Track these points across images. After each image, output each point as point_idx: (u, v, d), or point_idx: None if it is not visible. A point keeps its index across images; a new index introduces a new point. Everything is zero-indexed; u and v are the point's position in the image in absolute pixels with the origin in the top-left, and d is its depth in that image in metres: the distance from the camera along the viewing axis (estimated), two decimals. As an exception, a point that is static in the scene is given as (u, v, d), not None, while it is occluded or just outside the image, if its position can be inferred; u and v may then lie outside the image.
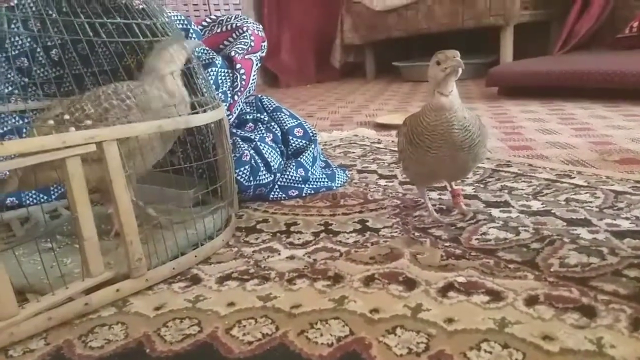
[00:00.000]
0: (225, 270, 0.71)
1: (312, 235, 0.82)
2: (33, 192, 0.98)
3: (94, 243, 0.60)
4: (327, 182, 1.06)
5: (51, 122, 0.56)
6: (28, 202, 0.97)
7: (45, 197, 1.00)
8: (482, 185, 1.01)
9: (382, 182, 1.09)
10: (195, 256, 0.73)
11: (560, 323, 0.53)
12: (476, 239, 0.75)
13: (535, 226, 0.79)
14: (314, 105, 2.55)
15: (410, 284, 0.63)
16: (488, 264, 0.67)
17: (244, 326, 0.57)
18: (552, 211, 0.84)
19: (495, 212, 0.86)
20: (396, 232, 0.80)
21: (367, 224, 0.85)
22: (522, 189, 0.96)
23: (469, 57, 3.21)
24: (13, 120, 0.94)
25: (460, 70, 0.73)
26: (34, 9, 0.85)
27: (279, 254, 0.75)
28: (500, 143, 1.39)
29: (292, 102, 2.72)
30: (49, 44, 0.91)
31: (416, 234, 0.79)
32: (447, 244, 0.74)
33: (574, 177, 1.01)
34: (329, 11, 3.79)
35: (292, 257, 0.74)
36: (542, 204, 0.88)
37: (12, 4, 0.83)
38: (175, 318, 0.59)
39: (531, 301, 0.58)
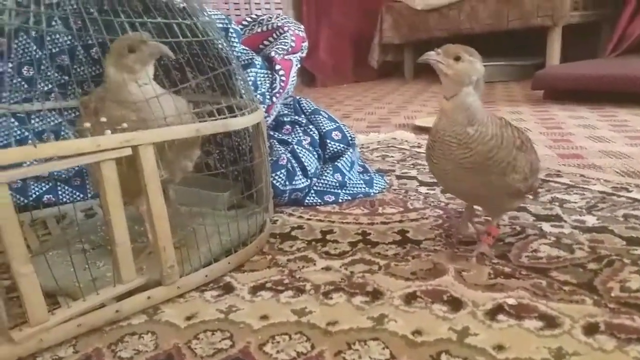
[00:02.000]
0: (258, 279, 0.69)
1: (349, 245, 0.78)
2: (69, 190, 0.98)
3: (126, 248, 0.58)
4: (364, 188, 1.02)
5: (88, 124, 0.54)
6: (64, 199, 0.98)
7: (81, 196, 0.99)
8: (530, 196, 0.95)
9: (423, 189, 1.04)
10: (229, 263, 0.71)
11: (623, 356, 0.48)
12: (526, 256, 0.70)
13: (591, 244, 0.73)
14: (351, 106, 2.51)
15: (455, 304, 0.59)
16: (540, 284, 0.62)
17: (278, 342, 0.54)
18: (609, 228, 0.78)
19: (546, 226, 0.80)
20: (439, 245, 0.76)
21: (408, 235, 0.81)
22: (575, 202, 0.90)
23: (512, 59, 3.13)
24: (52, 118, 0.94)
25: (438, 69, 0.64)
26: (74, 6, 0.84)
27: (315, 264, 0.72)
28: (549, 151, 1.32)
29: (328, 102, 2.69)
30: (89, 42, 0.91)
31: (461, 248, 0.74)
32: (494, 261, 0.69)
33: (632, 191, 0.94)
34: (368, 10, 3.73)
35: (328, 269, 0.71)
36: (597, 220, 0.82)
37: (53, 0, 0.83)
38: (207, 330, 0.57)
39: (590, 329, 0.53)
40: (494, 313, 0.57)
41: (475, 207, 0.80)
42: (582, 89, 2.05)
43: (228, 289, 0.67)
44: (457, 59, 0.64)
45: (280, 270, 0.71)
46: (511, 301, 0.59)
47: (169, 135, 0.60)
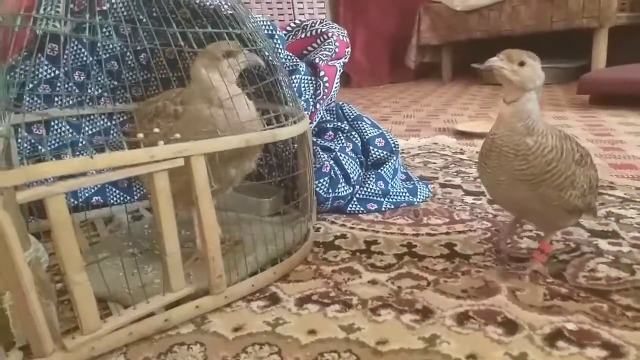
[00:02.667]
0: (304, 290, 0.68)
1: (394, 257, 0.76)
2: (117, 192, 1.00)
3: (176, 258, 0.58)
4: (408, 196, 1.00)
5: (141, 135, 0.54)
6: (111, 201, 0.99)
7: (128, 198, 1.01)
8: (587, 215, 0.91)
9: (469, 199, 1.01)
10: (274, 273, 0.71)
11: (695, 392, 0.45)
12: (583, 277, 0.67)
13: (653, 265, 0.69)
14: (388, 108, 2.48)
15: (510, 326, 0.57)
16: (601, 308, 0.59)
17: (327, 360, 0.53)
18: (672, 248, 0.74)
19: (602, 243, 0.77)
20: (489, 261, 0.73)
21: (455, 248, 0.78)
22: (632, 218, 0.86)
23: (555, 61, 3.02)
24: (102, 122, 0.96)
25: (502, 76, 0.61)
26: (124, 13, 0.86)
27: (360, 277, 0.71)
28: (599, 160, 1.26)
29: (364, 104, 2.67)
30: (138, 48, 0.92)
31: (512, 265, 0.72)
32: (549, 280, 0.66)
33: (693, 207, 0.89)
34: (404, 11, 3.68)
35: (374, 282, 0.69)
36: (658, 238, 0.78)
37: (104, 7, 0.84)
38: (255, 343, 0.57)
39: (658, 361, 0.50)
40: (552, 338, 0.54)
41: (524, 221, 0.77)
42: (631, 94, 1.97)
43: (274, 299, 0.66)
44: (522, 64, 0.61)
45: (325, 282, 0.70)
46: (571, 326, 0.56)
47: (220, 146, 0.60)
